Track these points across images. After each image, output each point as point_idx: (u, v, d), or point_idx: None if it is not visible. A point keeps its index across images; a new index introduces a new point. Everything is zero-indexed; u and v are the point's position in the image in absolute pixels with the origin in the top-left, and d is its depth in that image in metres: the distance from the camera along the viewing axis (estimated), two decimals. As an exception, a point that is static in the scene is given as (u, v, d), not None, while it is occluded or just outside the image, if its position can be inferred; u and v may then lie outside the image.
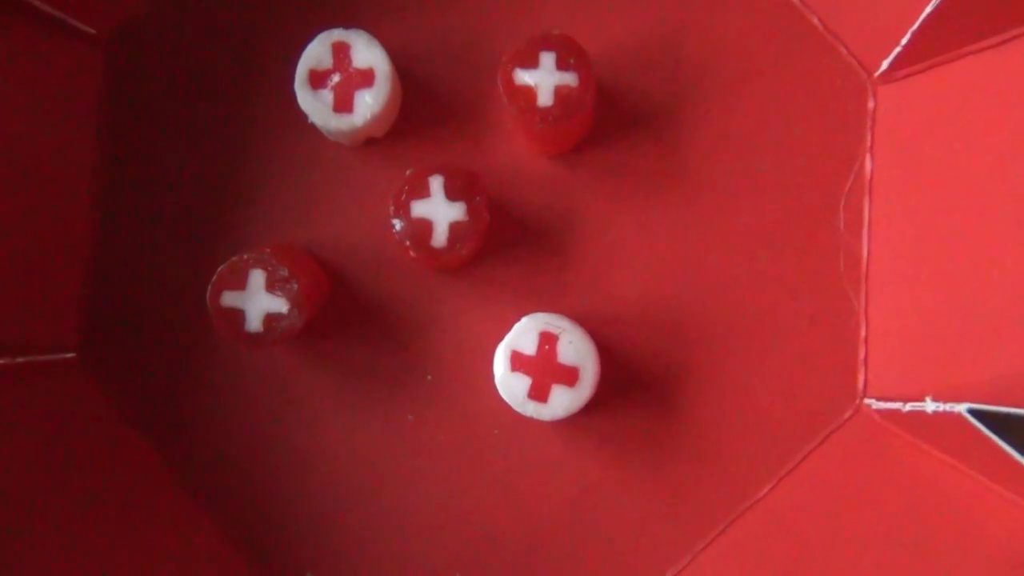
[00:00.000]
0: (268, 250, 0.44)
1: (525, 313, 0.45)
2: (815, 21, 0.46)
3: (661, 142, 0.47)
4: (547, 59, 0.44)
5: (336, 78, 0.45)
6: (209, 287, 0.43)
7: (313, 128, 0.47)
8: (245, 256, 0.43)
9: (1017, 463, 0.37)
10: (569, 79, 0.44)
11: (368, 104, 0.45)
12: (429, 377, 0.47)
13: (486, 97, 0.47)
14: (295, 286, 0.43)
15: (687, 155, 0.47)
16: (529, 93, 0.44)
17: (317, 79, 0.45)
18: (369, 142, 0.47)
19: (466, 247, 0.44)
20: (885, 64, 0.46)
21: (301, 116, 0.46)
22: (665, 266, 0.47)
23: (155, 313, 0.47)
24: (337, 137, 0.47)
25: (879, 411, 0.45)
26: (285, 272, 0.43)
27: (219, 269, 0.43)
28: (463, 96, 0.47)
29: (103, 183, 0.47)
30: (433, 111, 0.47)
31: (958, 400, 0.39)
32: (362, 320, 0.47)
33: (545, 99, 0.44)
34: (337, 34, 0.45)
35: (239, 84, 0.48)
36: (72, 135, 0.46)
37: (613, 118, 0.47)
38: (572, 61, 0.44)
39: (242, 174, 0.47)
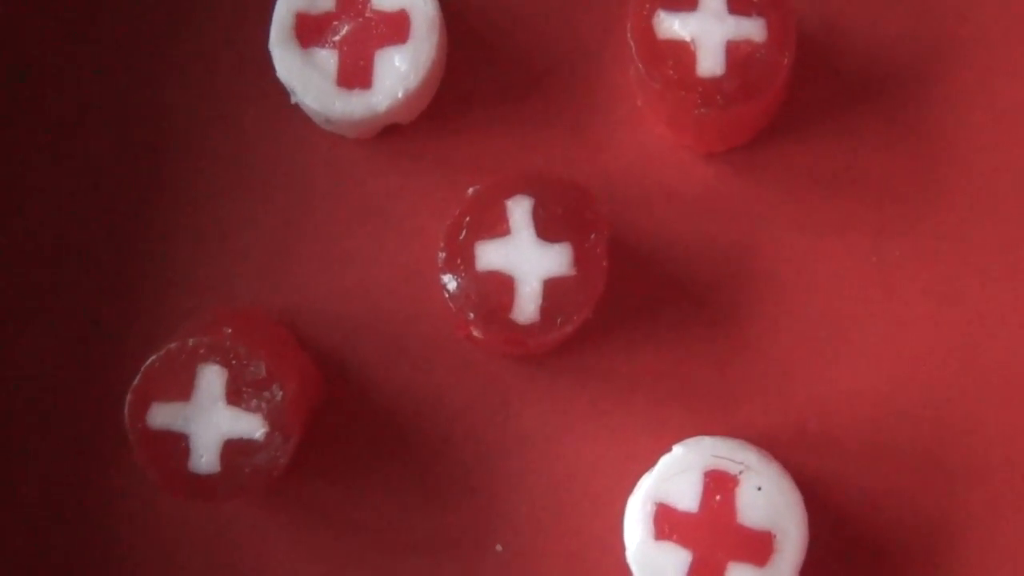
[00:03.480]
0: (229, 329, 0.43)
1: (678, 438, 0.45)
2: None
3: (906, 133, 0.47)
4: (713, -6, 0.44)
5: (343, 28, 0.45)
6: (128, 396, 0.43)
7: (299, 112, 0.46)
8: (191, 341, 0.43)
9: None
10: (751, 29, 0.44)
11: (399, 73, 0.45)
12: (499, 547, 0.46)
13: (600, 59, 0.47)
14: (278, 393, 0.43)
15: (952, 155, 0.47)
16: (682, 53, 0.44)
17: (309, 30, 0.45)
18: (389, 131, 0.47)
19: (572, 321, 0.43)
20: None
21: (280, 92, 0.46)
22: (913, 351, 0.46)
23: (29, 441, 0.47)
24: (340, 127, 0.46)
25: None
26: (261, 369, 0.43)
27: (145, 364, 0.43)
28: (558, 57, 0.47)
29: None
30: (506, 82, 0.47)
31: None
32: (385, 448, 0.47)
33: (710, 64, 0.43)
34: (345, -47, 0.45)
35: (172, 38, 0.48)
36: None
37: (820, 93, 0.47)
38: (756, -2, 0.44)
39: (178, 191, 0.47)
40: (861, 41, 0.47)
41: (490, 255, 0.43)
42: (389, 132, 0.47)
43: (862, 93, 0.47)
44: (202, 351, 0.43)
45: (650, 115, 0.47)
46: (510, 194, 0.44)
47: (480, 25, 0.47)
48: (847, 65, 0.47)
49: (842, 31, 0.47)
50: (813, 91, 0.47)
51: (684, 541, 0.43)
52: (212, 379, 0.43)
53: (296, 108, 0.46)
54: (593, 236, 0.43)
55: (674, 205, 0.47)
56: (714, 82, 0.43)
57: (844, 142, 0.47)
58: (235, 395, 0.43)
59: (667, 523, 0.43)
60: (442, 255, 0.43)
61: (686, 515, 0.43)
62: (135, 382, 0.43)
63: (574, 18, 0.47)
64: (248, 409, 0.43)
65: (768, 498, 0.43)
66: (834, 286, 0.46)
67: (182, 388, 0.43)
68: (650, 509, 0.43)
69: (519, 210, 0.43)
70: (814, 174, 0.47)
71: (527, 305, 0.43)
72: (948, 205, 0.47)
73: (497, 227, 0.43)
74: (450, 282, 0.43)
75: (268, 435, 0.42)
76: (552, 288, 0.43)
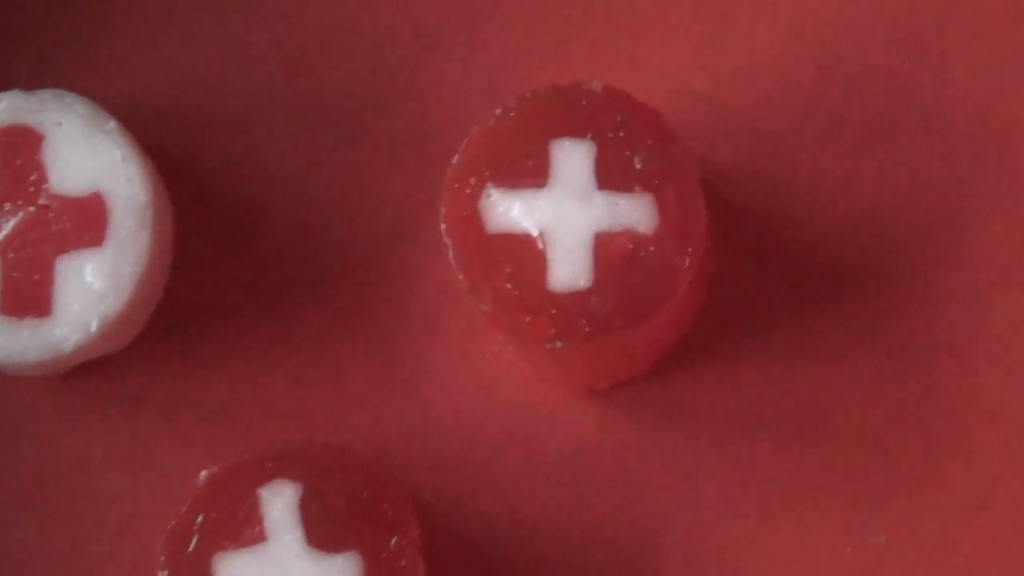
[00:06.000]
0: None
1: None
2: None
3: (890, 358, 0.44)
4: (572, 160, 0.41)
5: (8, 223, 0.44)
6: None
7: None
8: None
9: None
10: (632, 213, 0.41)
11: (93, 292, 0.43)
12: None
13: (417, 250, 0.45)
14: None
15: (956, 395, 0.44)
16: (525, 254, 0.41)
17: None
18: (90, 364, 0.45)
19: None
20: None
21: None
22: None
23: None
24: (8, 368, 0.45)
25: None
26: None
27: None
28: (352, 249, 0.45)
29: None
30: (265, 293, 0.45)
31: None
32: None
33: (569, 271, 0.41)
34: (8, 105, 0.44)
35: None
36: None
37: (754, 294, 0.45)
38: (640, 163, 0.41)
39: None
40: (816, 214, 0.45)
41: (236, 574, 0.40)
42: (90, 366, 0.44)
43: (815, 296, 0.45)
44: None
45: (496, 335, 0.44)
46: (265, 479, 0.41)
47: (224, 206, 0.46)
48: (793, 252, 0.45)
49: (785, 198, 0.45)
50: (743, 292, 0.45)
51: None
52: None
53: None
54: (395, 540, 0.41)
55: (535, 472, 0.44)
56: (575, 299, 0.40)
57: (795, 373, 0.44)
58: None
59: None
60: (163, 571, 0.40)
61: None
62: None
63: (378, 191, 0.45)
64: None
65: None
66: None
67: None
68: None
69: (279, 503, 0.41)
70: (752, 420, 0.45)
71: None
72: (953, 472, 0.45)
73: (246, 531, 0.41)
74: (175, 612, 0.41)
75: None
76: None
